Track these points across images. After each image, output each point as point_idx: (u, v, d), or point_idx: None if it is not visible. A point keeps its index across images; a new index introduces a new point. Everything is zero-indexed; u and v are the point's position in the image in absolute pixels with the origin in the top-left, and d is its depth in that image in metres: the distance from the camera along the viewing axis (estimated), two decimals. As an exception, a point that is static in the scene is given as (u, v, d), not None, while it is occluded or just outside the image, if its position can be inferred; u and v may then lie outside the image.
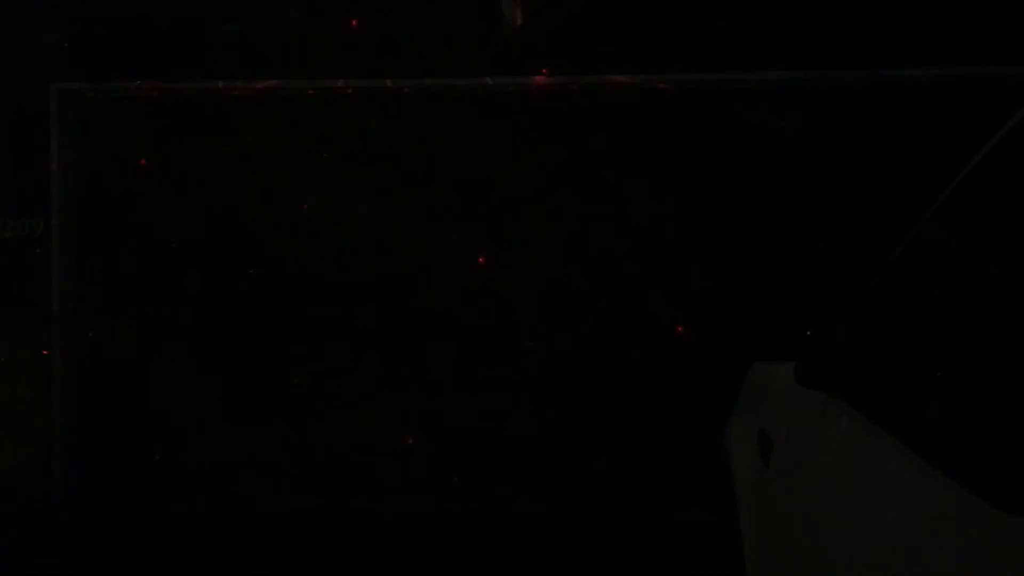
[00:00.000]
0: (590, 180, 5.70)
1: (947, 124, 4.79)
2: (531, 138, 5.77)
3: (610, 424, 5.64)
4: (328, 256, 5.88)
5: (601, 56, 5.69)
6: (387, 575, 4.84)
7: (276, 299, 5.90)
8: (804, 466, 2.19)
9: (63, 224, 5.89)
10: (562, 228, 5.72)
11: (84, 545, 5.28)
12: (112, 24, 5.87)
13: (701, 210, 5.60)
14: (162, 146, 5.98)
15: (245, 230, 5.92)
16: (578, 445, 5.67)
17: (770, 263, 5.43)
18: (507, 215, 5.77)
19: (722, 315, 5.48)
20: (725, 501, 2.85)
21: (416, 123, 5.84)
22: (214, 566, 4.89)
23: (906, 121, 5.27)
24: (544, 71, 5.69)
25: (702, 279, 5.55)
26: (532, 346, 5.71)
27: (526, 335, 5.73)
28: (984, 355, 1.52)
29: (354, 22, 5.74)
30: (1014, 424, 1.31)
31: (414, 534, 5.35)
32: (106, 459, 5.95)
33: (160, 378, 5.94)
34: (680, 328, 5.59)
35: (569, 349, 5.69)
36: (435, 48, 5.73)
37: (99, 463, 5.94)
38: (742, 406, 3.14)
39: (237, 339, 5.90)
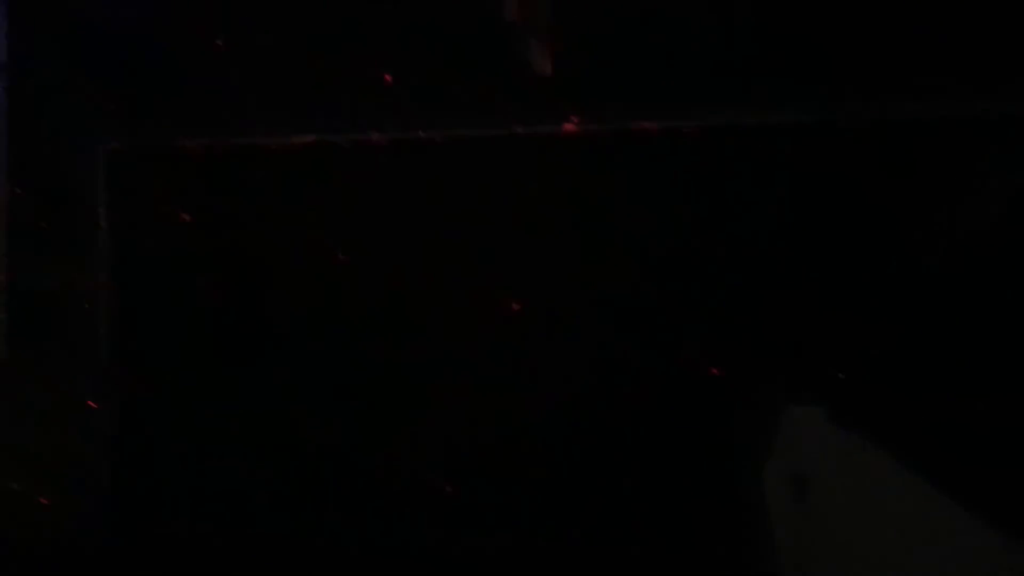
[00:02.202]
0: (622, 226, 5.77)
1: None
2: (562, 185, 5.86)
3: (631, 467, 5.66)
4: (369, 306, 5.99)
5: (630, 102, 5.80)
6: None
7: (319, 356, 6.01)
8: (841, 506, 2.22)
9: (110, 276, 6.08)
10: (597, 276, 5.78)
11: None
12: (157, 82, 6.09)
13: (737, 253, 5.64)
14: (207, 203, 6.16)
15: (287, 285, 6.06)
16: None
17: (804, 309, 5.45)
18: (540, 261, 5.85)
19: (753, 359, 5.49)
20: (759, 544, 2.87)
21: (450, 173, 5.97)
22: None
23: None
24: (573, 119, 5.80)
25: (735, 324, 5.58)
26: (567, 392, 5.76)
27: (564, 380, 5.77)
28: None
29: (387, 76, 5.90)
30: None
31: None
32: (148, 511, 6.07)
33: (200, 432, 6.06)
34: (714, 371, 5.62)
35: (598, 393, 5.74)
36: (466, 98, 5.87)
37: (142, 515, 6.06)
38: (776, 448, 3.16)
39: (279, 396, 6.01)
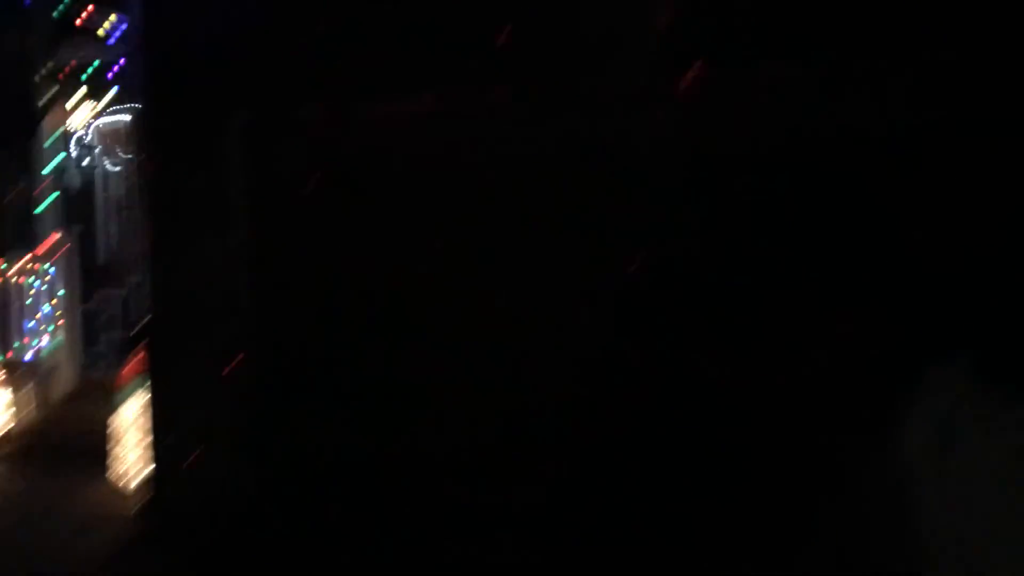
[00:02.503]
0: (748, 179, 5.57)
1: None
2: (686, 136, 5.70)
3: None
4: (495, 268, 6.01)
5: (756, 48, 5.56)
6: None
7: (444, 312, 6.08)
8: (988, 462, 2.06)
9: (250, 244, 6.31)
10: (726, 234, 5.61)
11: (261, 543, 5.62)
12: (285, 51, 6.22)
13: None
14: (338, 167, 6.30)
15: (415, 246, 6.14)
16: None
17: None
18: (668, 215, 5.73)
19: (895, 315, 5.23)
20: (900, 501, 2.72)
21: (580, 126, 5.89)
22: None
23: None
24: (696, 66, 5.61)
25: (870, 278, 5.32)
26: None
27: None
28: None
29: (507, 29, 5.84)
30: None
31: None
32: (285, 456, 6.32)
33: (336, 382, 6.25)
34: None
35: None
36: (591, 50, 5.75)
37: (280, 460, 6.32)
38: (919, 404, 2.98)
39: (409, 349, 6.12)
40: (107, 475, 7.28)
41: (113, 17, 7.03)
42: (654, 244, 5.71)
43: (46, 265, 8.67)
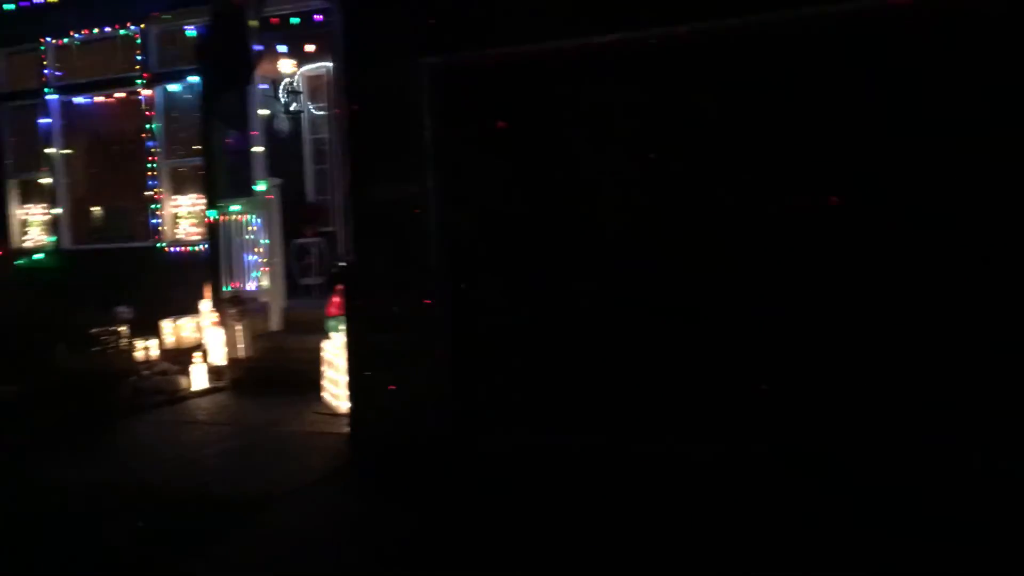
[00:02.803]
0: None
1: None
2: (883, 64, 5.35)
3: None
4: (674, 209, 5.92)
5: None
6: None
7: (624, 254, 6.06)
8: None
9: (436, 186, 6.50)
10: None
11: (453, 473, 5.89)
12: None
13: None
14: (518, 109, 6.35)
15: (595, 185, 6.14)
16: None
17: None
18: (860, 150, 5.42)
19: None
20: None
21: (759, 61, 5.65)
22: (551, 498, 5.25)
23: None
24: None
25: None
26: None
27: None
28: None
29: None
30: None
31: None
32: (475, 399, 6.55)
33: (518, 326, 6.40)
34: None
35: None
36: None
37: (469, 402, 6.56)
38: None
39: (589, 292, 6.16)
40: (319, 400, 7.86)
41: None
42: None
43: (254, 212, 9.30)
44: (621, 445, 5.91)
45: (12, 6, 11.13)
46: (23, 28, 11.24)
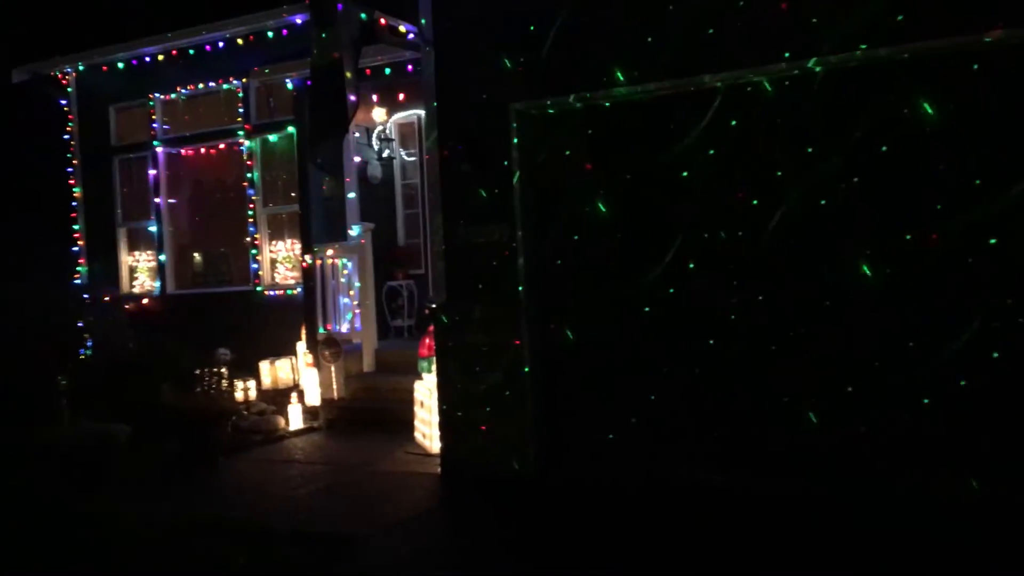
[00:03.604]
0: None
1: None
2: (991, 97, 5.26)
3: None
4: (764, 242, 5.90)
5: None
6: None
7: (719, 293, 6.05)
8: None
9: (525, 227, 6.62)
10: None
11: (544, 511, 5.91)
12: (553, 46, 6.44)
13: None
14: (602, 151, 6.45)
15: (684, 223, 6.16)
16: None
17: None
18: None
19: None
20: None
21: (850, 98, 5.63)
22: (648, 537, 5.20)
23: None
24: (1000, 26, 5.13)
25: None
26: None
27: None
28: None
29: (783, 5, 5.66)
30: None
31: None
32: (564, 437, 6.57)
33: (608, 363, 6.41)
34: None
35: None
36: (869, 16, 5.45)
37: (559, 440, 6.58)
38: None
39: (679, 330, 6.15)
40: (411, 440, 7.97)
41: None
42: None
43: (346, 256, 9.57)
44: (721, 483, 5.87)
45: (122, 65, 11.82)
46: (133, 85, 11.92)
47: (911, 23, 5.29)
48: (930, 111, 5.39)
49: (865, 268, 5.58)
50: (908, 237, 5.47)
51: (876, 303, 5.58)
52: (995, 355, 5.25)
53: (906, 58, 5.42)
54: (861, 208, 5.61)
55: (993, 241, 5.26)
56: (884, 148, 5.54)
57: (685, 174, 6.15)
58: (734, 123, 5.98)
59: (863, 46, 5.43)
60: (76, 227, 12.54)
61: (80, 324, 11.76)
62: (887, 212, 5.55)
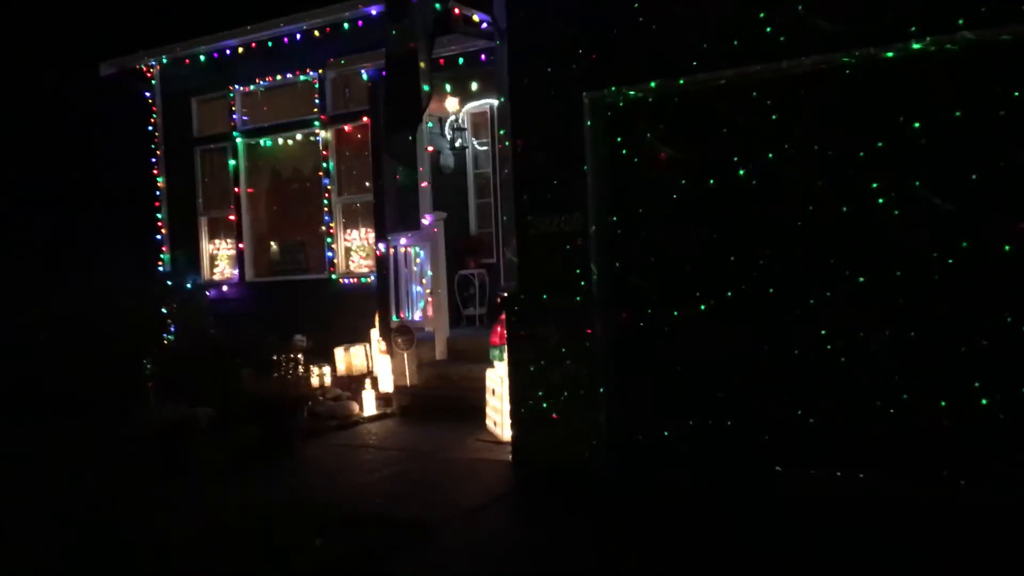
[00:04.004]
0: None
1: None
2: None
3: None
4: (841, 235, 5.77)
5: None
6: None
7: (789, 283, 5.94)
8: None
9: (598, 217, 6.60)
10: None
11: (613, 503, 5.89)
12: (626, 33, 6.39)
13: None
14: (678, 139, 6.37)
15: (756, 212, 6.06)
16: None
17: None
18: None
19: None
20: None
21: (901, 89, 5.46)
22: (719, 541, 5.15)
23: None
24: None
25: None
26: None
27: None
28: None
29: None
30: None
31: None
32: (636, 430, 6.53)
33: (681, 356, 6.35)
34: None
35: None
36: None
37: (631, 433, 6.54)
38: None
39: (760, 325, 6.05)
40: (482, 427, 8.04)
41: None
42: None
43: (419, 245, 9.67)
44: (793, 484, 5.79)
45: (204, 58, 12.13)
46: (214, 78, 12.23)
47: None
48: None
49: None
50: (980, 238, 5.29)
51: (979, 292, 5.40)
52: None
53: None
54: (953, 197, 5.44)
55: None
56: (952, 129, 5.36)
57: (758, 163, 6.03)
58: (815, 110, 5.84)
59: (964, 28, 5.26)
60: (159, 216, 12.95)
61: (164, 311, 12.16)
62: (960, 209, 5.38)
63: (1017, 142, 5.23)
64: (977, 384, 5.35)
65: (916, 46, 5.41)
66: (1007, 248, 5.26)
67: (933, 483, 5.42)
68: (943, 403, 5.44)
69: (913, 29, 5.37)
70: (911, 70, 5.53)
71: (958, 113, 5.38)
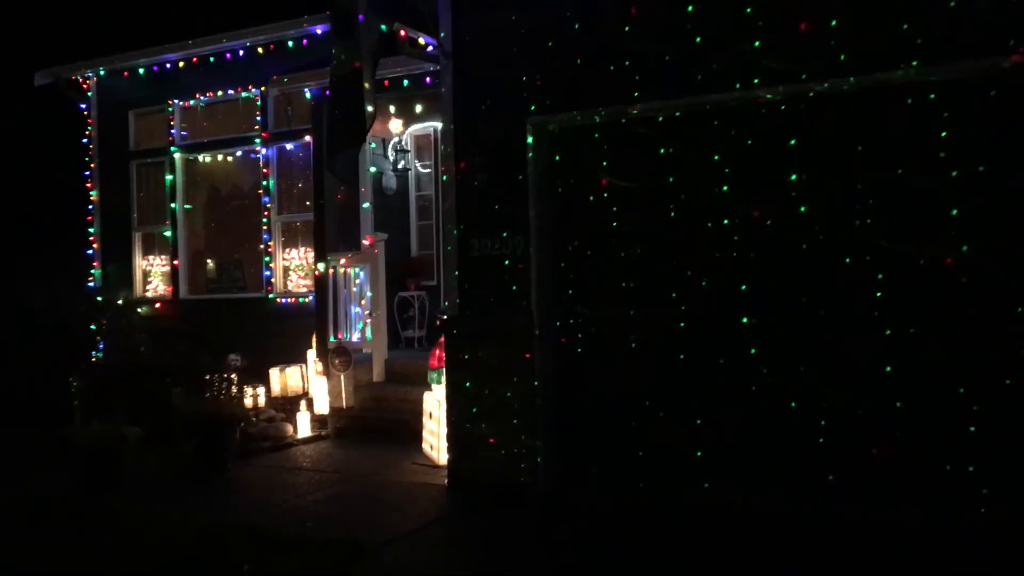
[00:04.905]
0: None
1: None
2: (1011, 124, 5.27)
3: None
4: (777, 256, 5.90)
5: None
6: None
7: (729, 301, 6.05)
8: None
9: (539, 240, 6.64)
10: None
11: (549, 526, 5.89)
12: (571, 61, 6.49)
13: None
14: (620, 164, 6.47)
15: (696, 237, 6.17)
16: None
17: None
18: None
19: None
20: None
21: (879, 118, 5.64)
22: (654, 553, 5.18)
23: None
24: (1021, 49, 5.14)
25: None
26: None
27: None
28: None
29: (802, 25, 5.69)
30: None
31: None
32: (576, 452, 6.56)
33: (621, 377, 6.40)
34: None
35: None
36: (897, 39, 5.46)
37: (570, 455, 6.57)
38: None
39: (694, 341, 6.15)
40: (419, 450, 7.97)
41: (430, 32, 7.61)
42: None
43: (359, 266, 9.61)
44: (739, 502, 5.87)
45: (143, 71, 11.93)
46: (153, 91, 12.02)
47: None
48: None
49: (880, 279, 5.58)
50: (921, 261, 5.48)
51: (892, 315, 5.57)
52: None
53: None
54: (874, 220, 5.61)
55: None
56: (886, 164, 5.55)
57: (700, 191, 6.16)
58: (749, 142, 5.99)
59: (879, 72, 5.47)
60: (92, 230, 12.63)
61: (93, 327, 11.83)
62: (891, 222, 5.55)
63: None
64: (899, 404, 5.52)
65: (823, 86, 5.62)
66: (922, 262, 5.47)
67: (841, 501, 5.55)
68: (872, 423, 5.59)
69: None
70: (834, 106, 5.74)
71: (860, 147, 5.65)
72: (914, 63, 5.36)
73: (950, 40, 5.29)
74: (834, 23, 5.58)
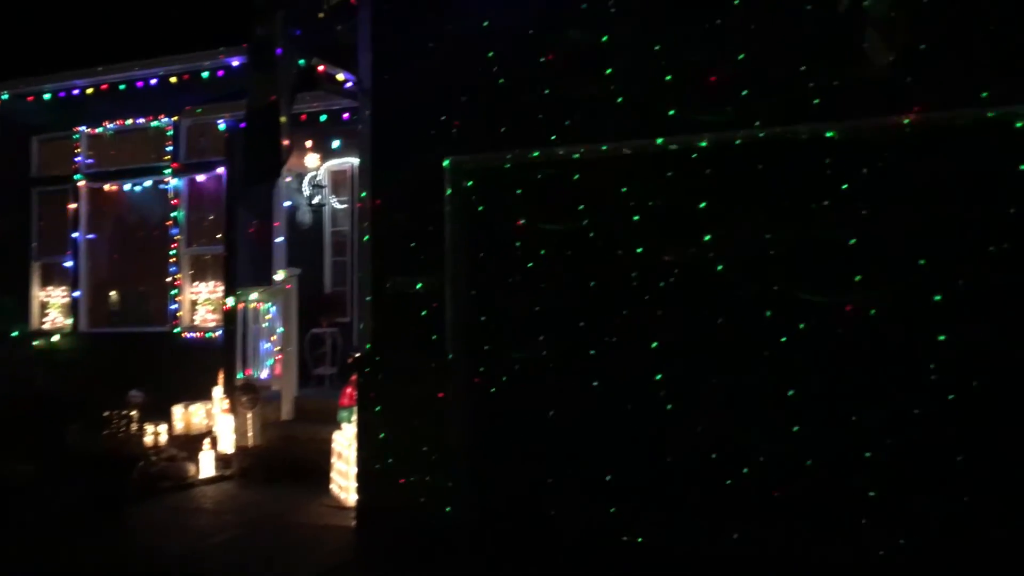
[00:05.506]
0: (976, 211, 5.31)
1: None
2: (909, 178, 5.51)
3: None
4: (694, 298, 6.01)
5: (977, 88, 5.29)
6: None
7: (636, 343, 6.12)
8: None
9: (455, 279, 6.62)
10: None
11: (475, 557, 5.84)
12: (490, 103, 6.55)
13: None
14: (535, 206, 6.52)
15: (610, 281, 6.24)
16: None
17: None
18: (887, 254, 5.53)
19: None
20: None
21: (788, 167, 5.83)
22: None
23: None
24: (916, 108, 5.41)
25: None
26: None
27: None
28: None
29: (712, 78, 5.87)
30: None
31: None
32: (489, 489, 6.50)
33: (534, 417, 6.40)
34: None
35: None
36: (803, 92, 5.67)
37: (484, 494, 6.50)
38: None
39: (606, 388, 6.19)
40: (327, 491, 7.79)
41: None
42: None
43: (271, 301, 9.44)
44: (650, 540, 5.88)
45: (49, 96, 11.56)
46: (59, 117, 11.65)
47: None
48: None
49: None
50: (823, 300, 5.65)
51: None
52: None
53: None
54: (776, 266, 5.77)
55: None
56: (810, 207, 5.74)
57: (615, 235, 6.24)
58: (665, 187, 6.11)
59: (784, 125, 5.68)
60: (-14, 259, 12.12)
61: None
62: (797, 271, 5.73)
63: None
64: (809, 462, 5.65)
65: (735, 141, 5.82)
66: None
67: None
68: (791, 459, 5.70)
69: (756, 122, 5.77)
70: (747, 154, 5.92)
71: (768, 198, 5.79)
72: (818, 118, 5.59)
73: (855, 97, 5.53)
74: (744, 77, 5.79)
